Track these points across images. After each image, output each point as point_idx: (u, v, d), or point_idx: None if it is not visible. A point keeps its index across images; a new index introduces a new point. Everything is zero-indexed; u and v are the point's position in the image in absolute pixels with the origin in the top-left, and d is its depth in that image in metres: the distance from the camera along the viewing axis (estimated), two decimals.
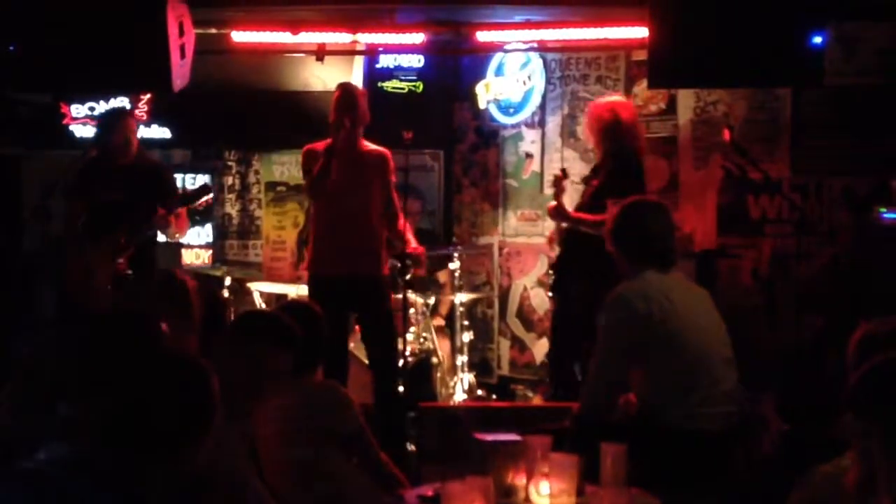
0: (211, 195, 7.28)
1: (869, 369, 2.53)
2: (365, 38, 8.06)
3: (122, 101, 8.87)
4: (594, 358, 4.86)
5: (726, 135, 6.96)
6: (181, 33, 6.42)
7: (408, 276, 6.90)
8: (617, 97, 7.22)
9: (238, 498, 3.81)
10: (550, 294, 7.10)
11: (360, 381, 7.06)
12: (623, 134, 6.78)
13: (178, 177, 9.18)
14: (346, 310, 6.86)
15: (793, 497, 3.15)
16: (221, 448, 3.79)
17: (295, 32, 7.69)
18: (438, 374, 7.91)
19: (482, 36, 7.94)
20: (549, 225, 7.56)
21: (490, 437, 4.05)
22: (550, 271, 7.05)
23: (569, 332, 6.80)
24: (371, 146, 6.86)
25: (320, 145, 6.75)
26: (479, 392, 8.20)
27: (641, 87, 7.79)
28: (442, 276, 8.45)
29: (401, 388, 7.02)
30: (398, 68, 8.92)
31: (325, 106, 7.00)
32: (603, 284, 6.05)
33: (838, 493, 2.80)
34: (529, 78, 8.54)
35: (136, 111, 8.93)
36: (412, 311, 7.74)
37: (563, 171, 7.11)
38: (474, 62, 8.86)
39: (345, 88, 6.86)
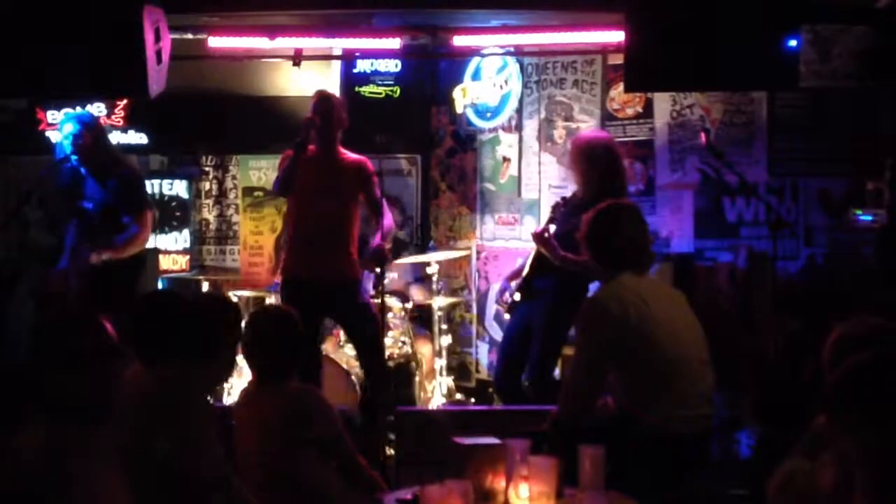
0: None
1: (845, 371, 2.54)
2: (342, 43, 8.06)
3: (98, 107, 8.86)
4: (573, 362, 4.88)
5: (703, 138, 7.00)
6: (157, 39, 6.40)
7: (385, 281, 6.87)
8: (601, 131, 7.05)
9: (222, 495, 3.83)
10: (507, 315, 6.97)
11: (337, 385, 7.06)
12: (614, 174, 6.60)
13: (156, 182, 9.19)
14: (319, 313, 6.84)
15: (770, 490, 3.16)
16: (202, 450, 3.81)
17: (272, 38, 7.68)
18: (417, 379, 7.91)
19: (459, 40, 7.94)
20: (526, 228, 7.57)
21: (469, 441, 4.05)
22: (517, 294, 6.82)
23: (521, 349, 6.78)
24: (349, 154, 6.85)
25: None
26: (458, 396, 8.20)
27: (618, 91, 7.81)
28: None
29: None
30: (375, 73, 8.92)
31: (303, 111, 7.00)
32: (569, 311, 6.10)
33: (814, 492, 2.82)
34: (506, 82, 8.55)
35: (113, 117, 8.92)
36: (390, 314, 7.76)
37: (565, 199, 6.77)
38: (451, 67, 8.87)
39: (321, 95, 6.86)
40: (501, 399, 7.18)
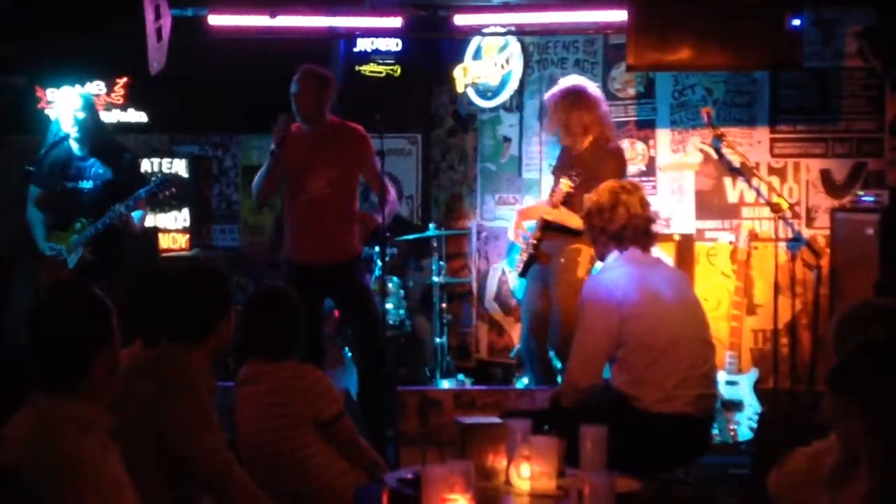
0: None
1: (850, 351, 2.53)
2: (342, 22, 8.02)
3: (98, 85, 8.82)
4: (573, 344, 4.89)
5: (705, 117, 6.99)
6: (158, 16, 6.38)
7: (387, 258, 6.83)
8: (575, 78, 6.99)
9: (221, 482, 3.82)
10: (521, 277, 6.83)
11: (339, 366, 7.05)
12: (597, 119, 6.57)
13: (156, 161, 9.16)
14: (321, 296, 6.80)
15: (771, 477, 3.16)
16: (203, 431, 3.80)
17: (272, 16, 7.66)
18: (417, 359, 7.91)
19: (460, 19, 7.91)
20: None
21: (470, 420, 4.06)
22: (529, 252, 6.76)
23: (543, 317, 6.70)
24: (342, 125, 6.71)
25: (294, 127, 6.71)
26: (458, 376, 8.20)
27: (620, 71, 7.79)
28: None
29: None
30: (376, 52, 8.86)
31: None
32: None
33: (817, 473, 2.81)
34: (507, 61, 8.52)
35: (113, 95, 8.88)
36: (390, 295, 7.74)
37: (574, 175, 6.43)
38: (452, 46, 8.84)
39: (301, 73, 6.73)
40: (527, 363, 7.04)
